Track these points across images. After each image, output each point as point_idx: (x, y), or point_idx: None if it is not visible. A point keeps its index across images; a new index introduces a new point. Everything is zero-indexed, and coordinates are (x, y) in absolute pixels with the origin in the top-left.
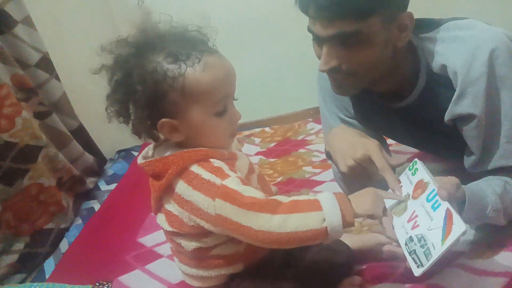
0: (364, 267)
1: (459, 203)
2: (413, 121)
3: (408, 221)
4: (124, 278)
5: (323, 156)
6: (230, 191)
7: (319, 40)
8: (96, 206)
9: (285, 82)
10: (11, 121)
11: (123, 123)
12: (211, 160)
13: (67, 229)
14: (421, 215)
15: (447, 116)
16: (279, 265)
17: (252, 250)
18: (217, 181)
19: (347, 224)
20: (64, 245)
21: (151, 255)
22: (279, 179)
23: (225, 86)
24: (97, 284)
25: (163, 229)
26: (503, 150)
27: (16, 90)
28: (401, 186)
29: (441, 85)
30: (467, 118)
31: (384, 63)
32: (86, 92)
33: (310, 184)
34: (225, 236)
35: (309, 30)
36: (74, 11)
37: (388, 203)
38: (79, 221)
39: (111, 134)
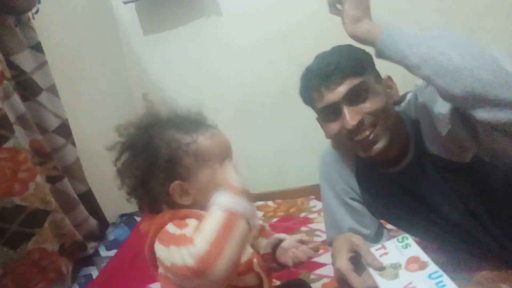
0: None
1: None
2: (420, 185)
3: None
4: None
5: (325, 236)
6: (183, 237)
7: (335, 110)
8: (95, 273)
9: (289, 158)
10: (24, 185)
11: (131, 194)
12: (187, 220)
13: None
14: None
15: (436, 150)
16: None
17: None
18: (177, 231)
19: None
20: None
21: None
22: None
23: (227, 151)
24: None
25: None
26: None
27: (33, 154)
28: (387, 253)
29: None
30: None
31: (392, 112)
32: (97, 156)
33: (312, 266)
34: None
35: (322, 108)
36: (94, 81)
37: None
38: None
39: (115, 197)
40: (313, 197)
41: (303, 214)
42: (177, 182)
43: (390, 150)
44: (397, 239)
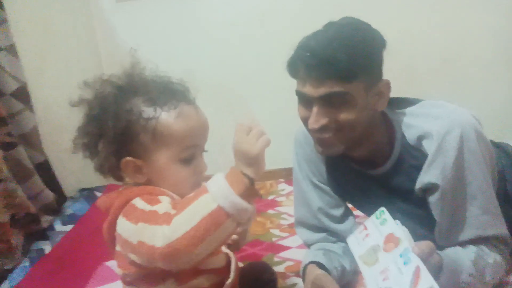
0: None
1: (434, 269)
2: (386, 189)
3: (380, 273)
4: None
5: (292, 220)
6: (155, 214)
7: (308, 101)
8: (47, 248)
9: None
10: None
11: (88, 158)
12: (160, 196)
13: (10, 271)
14: (392, 269)
15: (417, 185)
16: None
17: None
18: (147, 207)
19: (243, 192)
20: None
21: None
22: None
23: (196, 136)
24: None
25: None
26: (479, 221)
27: None
28: (368, 234)
29: (414, 157)
30: (433, 188)
31: (364, 124)
32: (58, 126)
33: (276, 249)
34: (173, 286)
35: (298, 92)
36: (61, 45)
37: (357, 249)
38: (26, 263)
39: (76, 171)
40: (282, 180)
41: (271, 197)
42: (129, 158)
43: (363, 154)
44: (375, 215)
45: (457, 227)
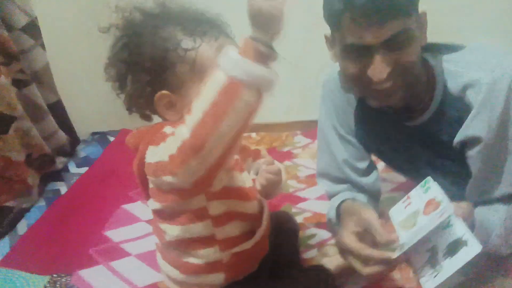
0: None
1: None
2: (421, 141)
3: (418, 236)
4: (84, 273)
5: (309, 172)
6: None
7: (365, 51)
8: (63, 189)
9: (278, 90)
10: None
11: (117, 90)
12: None
13: (27, 210)
14: (433, 232)
15: (457, 138)
16: (265, 284)
17: (235, 261)
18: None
19: (256, 57)
20: (22, 227)
21: (118, 252)
22: None
23: None
24: (55, 275)
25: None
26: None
27: None
28: (410, 203)
29: (456, 108)
30: (475, 141)
31: (419, 64)
32: (71, 67)
33: (294, 200)
34: (208, 228)
35: (347, 45)
36: None
37: (397, 217)
38: (42, 202)
39: (89, 114)
40: (298, 132)
41: (287, 149)
42: (164, 92)
43: (405, 102)
44: (420, 185)
45: (492, 182)
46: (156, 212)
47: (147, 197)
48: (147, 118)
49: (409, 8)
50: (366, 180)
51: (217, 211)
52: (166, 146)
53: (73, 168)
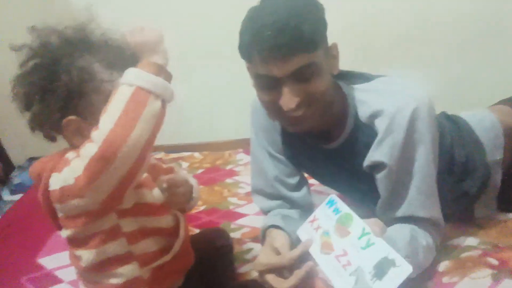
0: None
1: None
2: (337, 164)
3: (337, 258)
4: None
5: (249, 189)
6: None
7: (274, 82)
8: None
9: (219, 110)
10: None
11: (22, 109)
12: None
13: None
14: (352, 252)
15: (365, 162)
16: None
17: (157, 277)
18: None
19: (156, 72)
20: None
21: (50, 279)
22: (202, 208)
23: None
24: None
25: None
26: (414, 199)
27: None
28: (318, 224)
29: (366, 134)
30: (381, 166)
31: (331, 92)
32: (6, 89)
33: (234, 216)
34: (123, 246)
35: (261, 76)
36: None
37: (304, 236)
38: None
39: (23, 139)
40: (241, 150)
41: (229, 167)
42: (73, 117)
43: (320, 128)
44: (326, 203)
45: (395, 203)
46: (69, 239)
47: (59, 227)
48: (51, 139)
49: (313, 44)
50: (297, 195)
51: (130, 228)
52: (71, 169)
53: (6, 196)
